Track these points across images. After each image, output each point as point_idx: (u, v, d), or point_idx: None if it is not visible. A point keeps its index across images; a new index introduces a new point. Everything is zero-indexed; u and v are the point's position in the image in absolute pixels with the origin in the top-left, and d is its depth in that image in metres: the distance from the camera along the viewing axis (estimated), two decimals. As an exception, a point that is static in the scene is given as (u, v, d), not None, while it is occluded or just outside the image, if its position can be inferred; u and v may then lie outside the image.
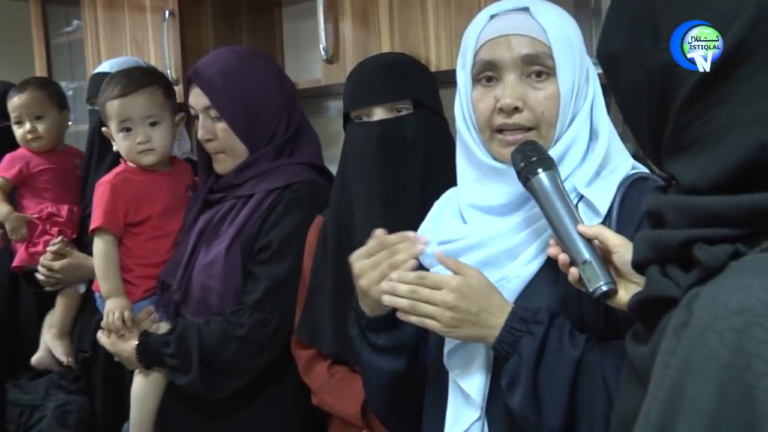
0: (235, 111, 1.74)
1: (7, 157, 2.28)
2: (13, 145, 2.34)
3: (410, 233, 1.18)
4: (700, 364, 0.58)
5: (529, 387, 1.09)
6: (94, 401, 2.13)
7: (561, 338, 1.10)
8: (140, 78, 1.88)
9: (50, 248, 2.14)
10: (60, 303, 2.21)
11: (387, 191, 1.49)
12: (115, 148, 1.92)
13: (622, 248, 1.01)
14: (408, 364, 1.28)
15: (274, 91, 1.78)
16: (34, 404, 2.14)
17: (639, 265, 0.73)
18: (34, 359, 2.21)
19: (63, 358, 2.18)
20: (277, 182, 1.75)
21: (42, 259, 2.15)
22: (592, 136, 1.21)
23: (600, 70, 1.49)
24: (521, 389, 1.09)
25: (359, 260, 1.21)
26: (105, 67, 2.31)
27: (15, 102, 2.27)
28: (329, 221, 1.59)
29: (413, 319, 1.13)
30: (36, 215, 2.23)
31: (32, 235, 2.24)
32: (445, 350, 1.21)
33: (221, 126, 1.75)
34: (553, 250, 1.07)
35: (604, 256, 1.04)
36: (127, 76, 1.89)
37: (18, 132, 2.28)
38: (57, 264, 2.13)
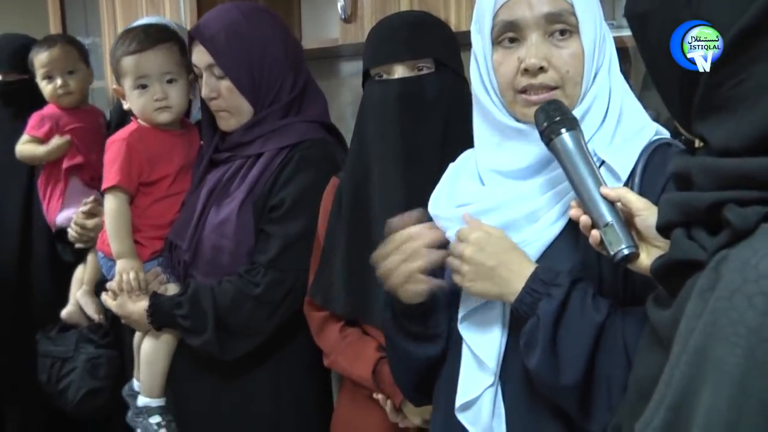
0: (239, 69, 1.71)
1: (36, 115, 2.27)
2: (31, 99, 2.33)
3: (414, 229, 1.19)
4: (727, 327, 0.56)
5: (546, 349, 1.07)
6: (123, 355, 2.15)
7: (583, 302, 1.08)
8: (158, 34, 1.86)
9: (83, 208, 2.14)
10: (91, 260, 2.22)
11: (406, 150, 1.47)
12: (126, 107, 1.90)
13: (645, 211, 0.99)
14: (442, 349, 1.27)
15: (279, 49, 1.75)
16: (65, 356, 2.17)
17: (664, 228, 0.72)
18: (64, 313, 2.24)
19: (94, 316, 2.20)
20: (286, 140, 1.73)
21: (75, 218, 2.16)
22: (609, 97, 1.19)
23: (617, 33, 1.46)
24: (538, 351, 1.08)
25: (381, 261, 1.21)
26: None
27: (44, 57, 2.24)
28: (345, 180, 1.58)
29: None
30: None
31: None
32: (459, 316, 1.20)
33: (225, 84, 1.72)
34: (575, 212, 1.05)
35: (627, 219, 1.02)
36: (144, 32, 1.85)
37: (47, 88, 2.26)
38: (90, 222, 2.13)
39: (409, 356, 1.28)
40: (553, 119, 1.08)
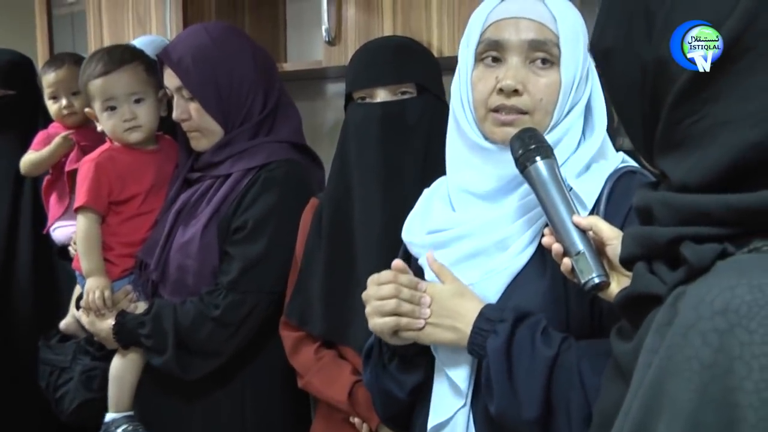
0: (207, 91, 1.72)
1: (42, 133, 2.29)
2: (19, 115, 2.34)
3: (422, 285, 1.17)
4: (682, 363, 0.57)
5: (503, 386, 1.08)
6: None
7: (533, 336, 1.09)
8: (122, 55, 1.87)
9: None
10: None
11: (386, 172, 1.48)
12: (99, 128, 1.91)
13: (615, 240, 1.00)
14: (424, 376, 1.26)
15: (247, 69, 1.76)
16: (63, 366, 2.18)
17: (627, 261, 0.72)
18: (62, 324, 2.25)
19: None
20: (254, 161, 1.74)
21: (74, 236, 2.16)
22: (587, 131, 1.20)
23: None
24: (496, 389, 1.09)
25: (371, 285, 1.19)
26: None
27: (51, 77, 2.26)
28: (325, 201, 1.58)
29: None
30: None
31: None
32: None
33: (194, 106, 1.74)
34: (547, 240, 1.06)
35: (598, 248, 1.02)
36: (108, 54, 1.87)
37: (53, 107, 2.28)
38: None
39: (381, 387, 1.29)
40: (528, 147, 1.09)
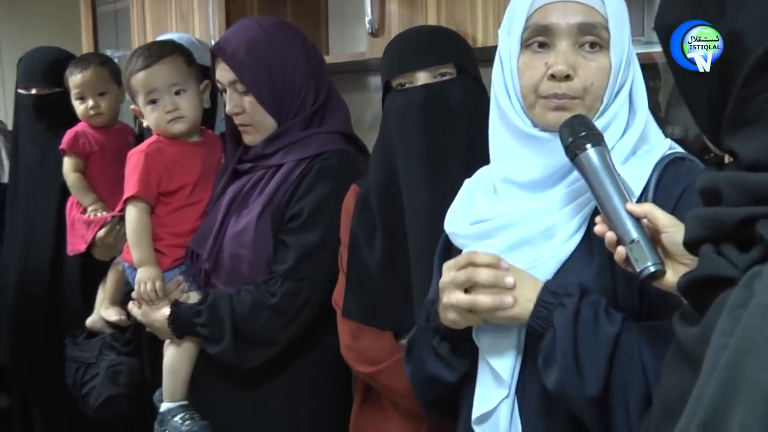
0: (261, 84, 1.73)
1: (70, 132, 2.32)
2: (63, 112, 2.37)
3: (504, 263, 1.12)
4: (761, 343, 0.55)
5: (567, 361, 1.06)
6: (143, 363, 2.19)
7: (596, 313, 1.07)
8: (160, 49, 1.90)
9: (103, 230, 2.22)
10: (110, 275, 2.28)
11: (433, 158, 1.47)
12: (145, 124, 1.93)
13: (672, 228, 0.98)
14: (458, 378, 1.26)
15: (299, 62, 1.76)
16: (89, 362, 2.22)
17: (691, 244, 0.71)
18: (89, 321, 2.30)
19: (114, 320, 2.23)
20: (306, 152, 1.75)
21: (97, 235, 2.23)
22: (630, 115, 1.19)
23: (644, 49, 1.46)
24: (559, 364, 1.06)
25: (447, 272, 1.15)
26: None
27: (77, 78, 2.30)
28: (373, 194, 1.57)
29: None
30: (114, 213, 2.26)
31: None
32: (474, 326, 1.19)
33: (248, 99, 1.74)
34: (600, 228, 1.04)
35: (653, 236, 1.01)
36: (147, 49, 1.90)
37: (80, 108, 2.32)
38: (110, 239, 2.21)
39: (428, 372, 1.27)
40: (579, 134, 1.08)
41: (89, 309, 2.34)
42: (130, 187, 1.84)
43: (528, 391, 1.16)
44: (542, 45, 1.18)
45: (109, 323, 2.25)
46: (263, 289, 1.70)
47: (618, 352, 1.05)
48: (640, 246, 0.99)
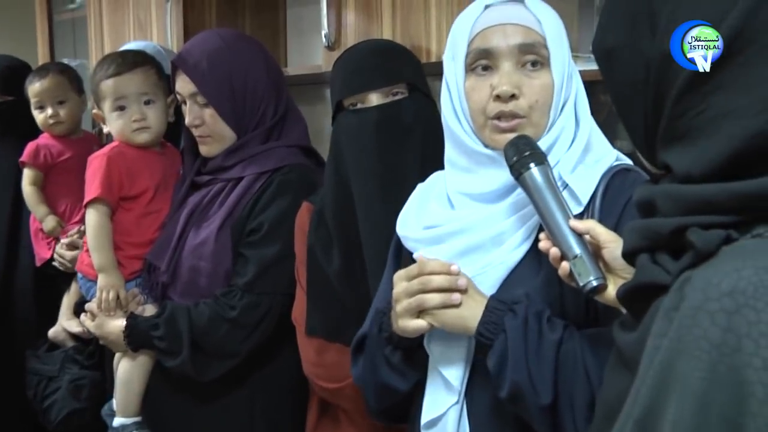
0: (222, 97, 1.73)
1: (31, 145, 2.31)
2: (18, 120, 2.36)
3: (454, 267, 1.14)
4: (691, 343, 0.59)
5: (520, 365, 1.08)
6: (106, 377, 2.15)
7: (540, 321, 1.10)
8: (135, 57, 1.90)
9: (64, 240, 2.20)
10: (74, 285, 2.25)
11: (389, 177, 1.48)
12: (105, 130, 1.93)
13: (612, 243, 1.02)
14: (409, 387, 1.27)
15: (261, 75, 1.77)
16: (51, 375, 2.18)
17: (629, 254, 0.74)
18: (51, 332, 2.27)
19: (77, 331, 2.20)
20: (266, 165, 1.75)
21: (57, 249, 2.21)
22: (575, 125, 1.23)
23: (584, 67, 1.50)
24: (510, 367, 1.09)
25: (399, 282, 1.17)
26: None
27: (36, 87, 2.28)
28: (328, 214, 1.56)
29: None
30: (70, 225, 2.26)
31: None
32: (426, 334, 1.20)
33: (209, 111, 1.74)
34: (544, 244, 1.07)
35: (594, 251, 1.04)
36: (122, 56, 1.90)
37: (39, 117, 2.31)
38: (69, 254, 2.18)
39: (380, 381, 1.29)
40: (523, 154, 1.11)
41: (43, 321, 2.31)
42: (92, 189, 1.83)
43: (477, 397, 1.18)
44: (486, 68, 1.21)
45: (72, 335, 2.23)
46: (222, 302, 1.70)
47: (562, 359, 1.08)
48: (582, 261, 1.03)
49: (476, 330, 1.12)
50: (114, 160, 1.84)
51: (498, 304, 1.12)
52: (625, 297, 0.74)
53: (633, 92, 0.73)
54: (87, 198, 1.84)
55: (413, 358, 1.25)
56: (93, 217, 1.83)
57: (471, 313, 1.12)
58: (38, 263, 2.31)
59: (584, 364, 1.07)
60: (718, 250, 0.63)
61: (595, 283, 1.01)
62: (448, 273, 1.14)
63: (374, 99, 1.50)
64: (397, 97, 1.51)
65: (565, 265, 1.04)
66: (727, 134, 0.65)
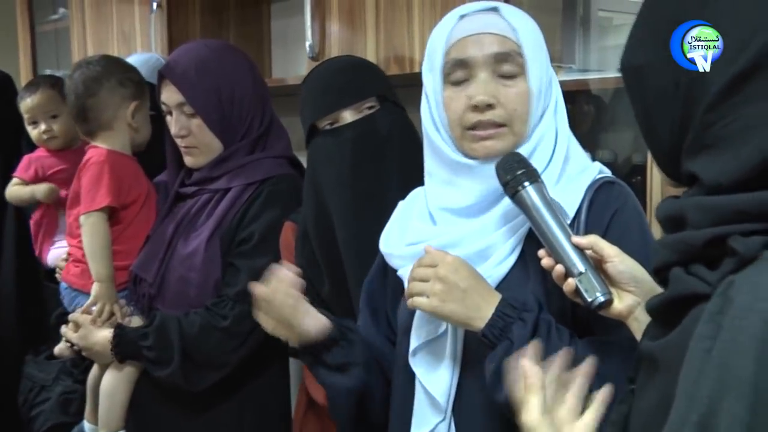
0: (210, 107, 1.73)
1: (25, 158, 2.29)
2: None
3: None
4: (745, 343, 0.60)
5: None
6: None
7: (549, 329, 1.11)
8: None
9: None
10: None
11: (371, 192, 1.48)
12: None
13: (616, 258, 1.03)
14: (359, 381, 1.29)
15: (247, 86, 1.77)
16: (44, 383, 2.16)
17: (660, 270, 0.75)
18: (57, 349, 2.21)
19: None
20: (254, 176, 1.75)
21: (59, 261, 2.17)
22: (554, 136, 1.22)
23: (567, 77, 1.50)
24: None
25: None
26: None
27: (27, 103, 2.26)
28: (313, 235, 1.55)
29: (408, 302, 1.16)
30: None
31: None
32: (411, 349, 1.21)
33: (196, 122, 1.74)
34: (547, 262, 1.07)
35: (596, 265, 1.04)
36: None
37: (33, 132, 2.29)
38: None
39: (331, 386, 1.31)
40: (516, 172, 1.11)
41: (24, 328, 2.28)
42: (100, 197, 1.81)
43: (464, 412, 1.19)
44: (463, 78, 1.21)
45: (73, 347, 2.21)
46: (214, 311, 1.69)
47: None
48: (588, 277, 1.03)
49: (481, 331, 1.12)
50: (113, 167, 1.83)
51: (509, 310, 1.11)
52: (659, 309, 0.75)
53: (662, 107, 0.75)
54: (93, 207, 1.81)
55: (345, 352, 1.28)
56: (96, 226, 1.81)
57: (479, 314, 1.12)
58: (44, 262, 2.29)
59: None
60: (760, 255, 0.65)
61: (602, 299, 1.02)
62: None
63: (348, 116, 1.50)
64: (370, 111, 1.51)
65: (571, 282, 1.04)
66: (756, 144, 0.67)
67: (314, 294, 1.55)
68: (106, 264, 1.81)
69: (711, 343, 0.63)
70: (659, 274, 0.75)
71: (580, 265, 1.03)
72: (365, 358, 1.30)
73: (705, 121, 0.70)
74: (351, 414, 1.35)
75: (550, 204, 1.09)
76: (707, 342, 0.63)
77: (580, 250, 1.04)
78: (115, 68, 1.92)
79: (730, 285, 0.64)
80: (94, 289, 1.80)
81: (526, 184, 1.10)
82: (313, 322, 1.28)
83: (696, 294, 0.68)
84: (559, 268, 1.05)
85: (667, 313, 0.74)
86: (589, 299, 1.02)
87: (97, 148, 1.89)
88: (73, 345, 1.85)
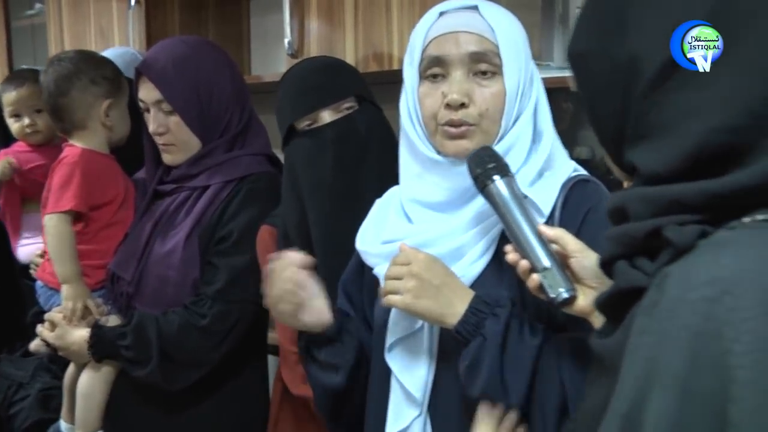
0: (188, 104, 1.71)
1: (1, 153, 2.26)
2: None
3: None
4: (672, 334, 0.59)
5: (494, 368, 1.08)
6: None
7: (522, 325, 1.11)
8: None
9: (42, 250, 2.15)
10: None
11: (351, 193, 1.47)
12: None
13: (580, 254, 1.02)
14: (346, 382, 1.29)
15: (226, 83, 1.76)
16: (22, 381, 2.13)
17: (606, 263, 0.74)
18: (33, 346, 2.20)
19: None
20: (233, 173, 1.74)
21: (33, 258, 2.15)
22: (536, 137, 1.22)
23: (546, 74, 1.51)
24: (485, 371, 1.09)
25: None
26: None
27: (12, 96, 2.24)
28: (294, 238, 1.54)
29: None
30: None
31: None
32: (386, 345, 1.22)
33: (174, 119, 1.72)
34: (513, 257, 1.06)
35: (562, 261, 1.04)
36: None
37: (15, 126, 2.26)
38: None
39: (318, 383, 1.32)
40: (486, 165, 1.10)
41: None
42: (65, 200, 1.79)
43: (440, 408, 1.19)
44: (438, 75, 1.21)
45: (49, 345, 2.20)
46: (192, 310, 1.68)
47: (539, 364, 1.09)
48: (552, 273, 1.02)
49: (455, 327, 1.12)
50: (86, 168, 1.81)
51: (482, 306, 1.11)
52: (605, 304, 0.74)
53: (603, 94, 0.74)
54: (57, 208, 1.80)
55: (338, 352, 1.28)
56: (57, 227, 1.80)
57: (452, 310, 1.12)
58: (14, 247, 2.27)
59: (559, 369, 1.08)
60: (696, 245, 0.64)
61: (565, 295, 1.01)
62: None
63: (327, 117, 1.49)
64: (349, 111, 1.50)
65: (534, 278, 1.03)
66: (690, 131, 0.66)
67: None
68: (70, 265, 1.79)
69: (643, 337, 0.62)
70: (606, 268, 0.74)
71: (545, 261, 1.02)
72: (355, 361, 1.30)
73: (640, 110, 0.70)
74: (330, 412, 1.36)
75: (520, 199, 1.09)
76: (640, 337, 0.62)
77: (546, 245, 1.04)
78: (87, 65, 1.88)
79: (665, 277, 0.63)
80: (63, 290, 1.78)
81: (496, 177, 1.09)
82: (311, 317, 1.28)
83: (636, 287, 0.67)
84: (524, 263, 1.04)
85: (613, 308, 0.73)
86: (552, 295, 1.01)
87: (73, 147, 1.87)
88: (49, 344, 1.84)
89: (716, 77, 0.66)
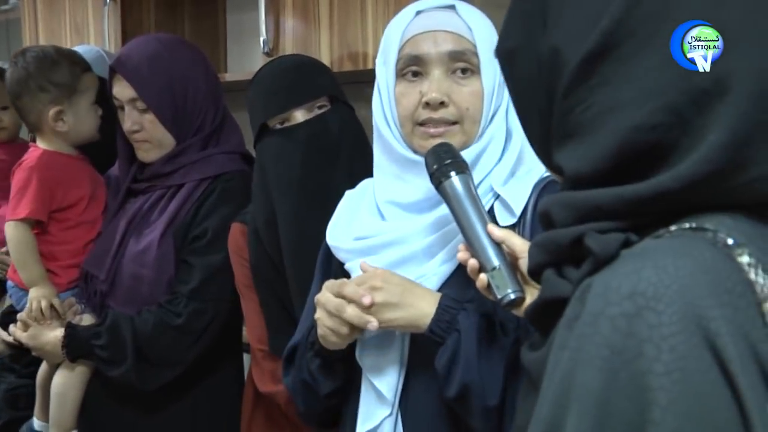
0: (163, 102, 1.71)
1: None
2: None
3: (366, 299, 1.12)
4: (591, 351, 0.56)
5: (472, 362, 1.08)
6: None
7: (492, 323, 1.10)
8: None
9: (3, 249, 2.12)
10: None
11: (323, 191, 1.46)
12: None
13: (527, 254, 1.02)
14: (337, 386, 1.27)
15: (200, 81, 1.76)
16: None
17: (535, 271, 0.70)
18: None
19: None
20: (207, 172, 1.74)
21: (1, 257, 2.13)
22: (507, 136, 1.23)
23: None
24: (461, 367, 1.08)
25: (325, 293, 1.17)
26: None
27: None
28: (266, 242, 1.53)
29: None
30: None
31: None
32: (358, 345, 1.21)
33: (149, 117, 1.72)
34: (463, 255, 1.06)
35: (512, 262, 1.03)
36: None
37: None
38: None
39: (314, 384, 1.28)
40: (443, 162, 1.10)
41: None
42: (21, 208, 1.77)
43: (411, 407, 1.19)
44: (416, 74, 1.21)
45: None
46: (167, 309, 1.68)
47: (512, 361, 1.08)
48: (501, 273, 1.01)
49: (428, 327, 1.11)
50: (44, 173, 1.79)
51: (451, 302, 1.11)
52: (532, 314, 0.70)
53: (529, 92, 0.71)
54: (14, 216, 1.77)
55: (332, 367, 1.24)
56: (15, 234, 1.78)
57: (422, 312, 1.11)
58: None
59: None
60: (618, 254, 0.60)
61: (512, 296, 0.99)
62: (361, 303, 1.12)
63: (299, 116, 1.49)
64: (321, 111, 1.50)
65: (483, 278, 1.02)
66: (612, 128, 0.62)
67: (271, 293, 1.56)
68: (31, 269, 1.77)
69: (563, 353, 0.58)
70: (534, 277, 0.70)
71: (494, 260, 1.01)
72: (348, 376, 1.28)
73: (564, 108, 0.65)
74: (319, 415, 1.34)
75: (474, 197, 1.08)
76: (559, 352, 0.59)
77: (497, 245, 1.03)
78: (37, 71, 1.81)
79: (587, 288, 0.59)
80: (30, 293, 1.77)
81: (452, 174, 1.09)
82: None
83: (561, 298, 0.63)
84: (473, 263, 1.03)
85: (540, 319, 0.69)
86: (499, 296, 1.00)
87: (35, 149, 1.85)
88: (20, 343, 1.82)
89: (641, 73, 0.61)
